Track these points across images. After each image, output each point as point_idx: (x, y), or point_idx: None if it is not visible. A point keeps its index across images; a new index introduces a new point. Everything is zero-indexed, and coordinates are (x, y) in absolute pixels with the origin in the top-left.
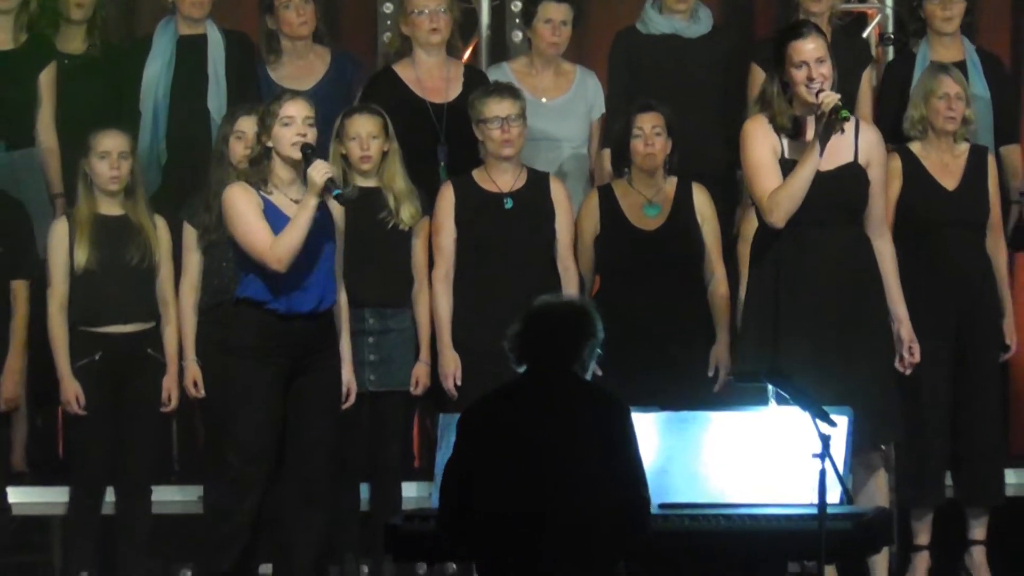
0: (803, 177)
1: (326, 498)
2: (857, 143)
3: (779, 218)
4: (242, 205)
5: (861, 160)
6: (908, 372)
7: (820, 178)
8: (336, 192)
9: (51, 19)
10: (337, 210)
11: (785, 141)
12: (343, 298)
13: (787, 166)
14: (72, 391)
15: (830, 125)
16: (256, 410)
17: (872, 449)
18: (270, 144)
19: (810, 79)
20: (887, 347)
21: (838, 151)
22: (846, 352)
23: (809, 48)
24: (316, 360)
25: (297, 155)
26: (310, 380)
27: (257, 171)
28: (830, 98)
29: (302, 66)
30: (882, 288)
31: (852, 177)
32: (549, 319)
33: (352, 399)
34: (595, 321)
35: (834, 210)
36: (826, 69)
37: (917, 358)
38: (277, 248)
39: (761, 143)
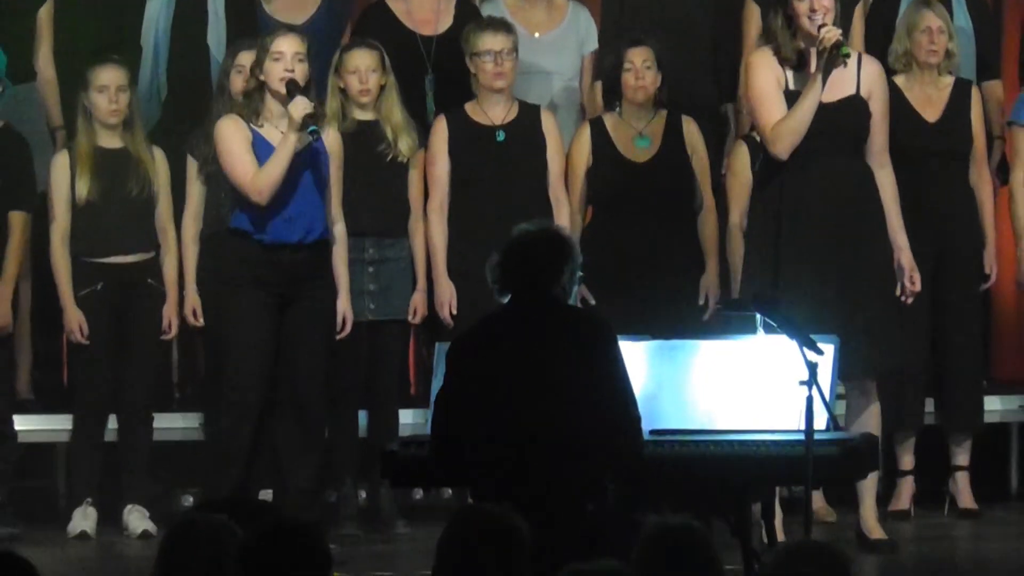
0: (806, 108)
1: (320, 425)
2: (859, 76)
3: (783, 148)
4: (230, 137)
5: (863, 92)
6: (909, 301)
7: (823, 109)
8: (312, 128)
9: None
10: (335, 144)
11: (789, 73)
12: (339, 229)
13: (791, 97)
14: (75, 320)
15: (831, 60)
16: (247, 337)
17: (870, 377)
18: (262, 78)
19: (812, 11)
20: (889, 277)
21: (841, 83)
22: (848, 281)
23: None
24: (306, 290)
25: (283, 90)
26: (301, 310)
27: (250, 104)
28: (831, 33)
29: (295, 1)
30: (884, 218)
31: (854, 109)
32: (525, 247)
33: (348, 328)
34: (571, 246)
35: (837, 141)
36: (828, 2)
37: (918, 287)
38: (257, 180)
39: (765, 75)
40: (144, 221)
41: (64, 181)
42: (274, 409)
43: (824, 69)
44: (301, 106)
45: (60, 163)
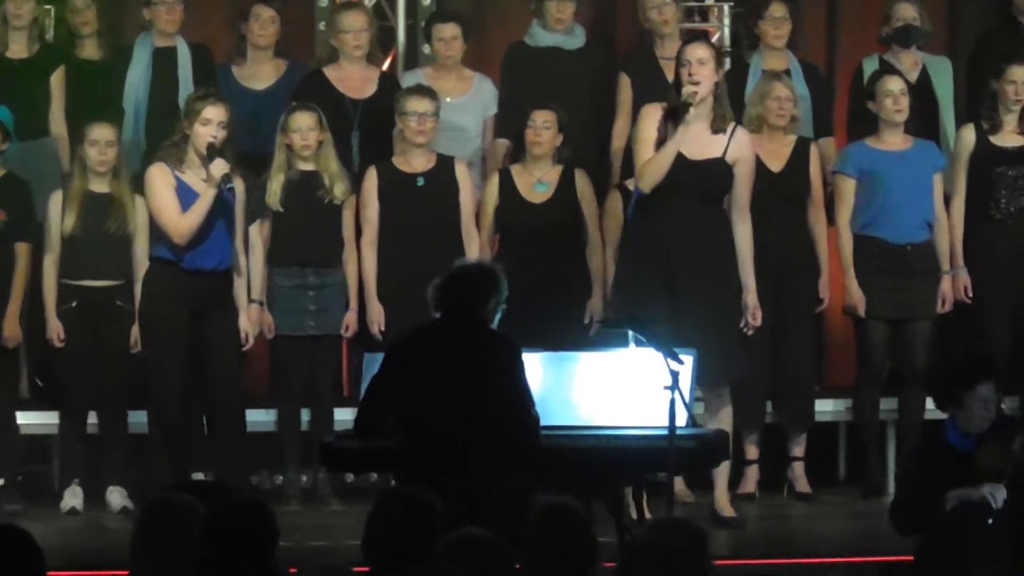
0: (667, 153)
1: (234, 420)
2: (729, 144)
3: (647, 184)
4: (158, 185)
5: (728, 158)
6: (750, 333)
7: (690, 165)
8: (229, 186)
9: (67, 33)
10: (242, 194)
11: (670, 126)
12: (242, 261)
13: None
14: (54, 329)
15: (683, 110)
16: (168, 349)
17: (722, 384)
18: (188, 132)
19: (681, 65)
20: (735, 303)
21: (711, 146)
22: (698, 305)
23: (690, 51)
24: (219, 310)
25: (204, 151)
26: (214, 325)
27: (176, 152)
28: (687, 90)
29: (260, 71)
30: (730, 257)
31: (715, 169)
32: (462, 277)
33: (251, 342)
34: (500, 281)
35: (697, 192)
36: (697, 55)
37: (759, 323)
38: (180, 226)
39: (647, 124)
40: (117, 253)
41: (57, 216)
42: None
43: (685, 121)
44: (220, 167)
45: (55, 201)
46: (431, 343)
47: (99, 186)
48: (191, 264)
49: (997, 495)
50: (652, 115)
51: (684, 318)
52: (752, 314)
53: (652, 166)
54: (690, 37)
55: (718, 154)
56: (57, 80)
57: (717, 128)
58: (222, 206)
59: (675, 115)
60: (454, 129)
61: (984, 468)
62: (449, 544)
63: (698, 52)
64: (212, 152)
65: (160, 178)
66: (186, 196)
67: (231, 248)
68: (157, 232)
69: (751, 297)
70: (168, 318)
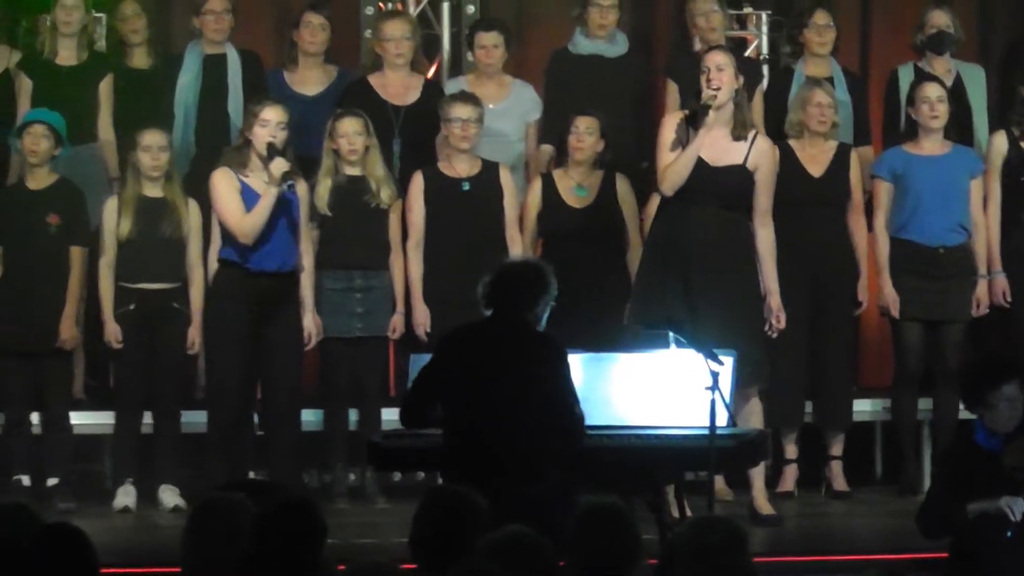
0: (687, 157)
1: (289, 420)
2: (750, 150)
3: (667, 188)
4: (222, 187)
5: (749, 164)
6: (774, 336)
7: (711, 171)
8: (289, 183)
9: (117, 41)
10: (304, 195)
11: (691, 132)
12: (309, 261)
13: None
14: (112, 332)
15: (703, 113)
16: (229, 349)
17: (747, 386)
18: (250, 137)
19: (700, 72)
20: (753, 308)
21: (732, 152)
22: (717, 309)
23: (709, 58)
24: (282, 311)
25: (265, 151)
26: (276, 326)
27: (239, 157)
28: (706, 94)
29: (311, 76)
30: (751, 263)
31: (736, 176)
32: (511, 277)
33: (314, 342)
34: (549, 281)
35: (717, 197)
36: (716, 61)
37: (783, 325)
38: (244, 225)
39: (667, 130)
40: (173, 256)
41: (112, 221)
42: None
43: (705, 125)
44: (280, 166)
45: (110, 207)
46: (478, 343)
47: (152, 191)
48: (256, 265)
49: (1016, 507)
50: (671, 121)
51: (703, 322)
52: (776, 316)
53: (673, 169)
54: (710, 46)
55: (739, 161)
56: (106, 88)
57: (738, 135)
58: (283, 206)
59: (695, 121)
60: (495, 135)
61: (1012, 467)
62: (493, 542)
63: (717, 59)
64: (272, 152)
65: (224, 181)
66: (250, 198)
67: (294, 250)
68: (225, 235)
69: (774, 299)
70: (231, 320)
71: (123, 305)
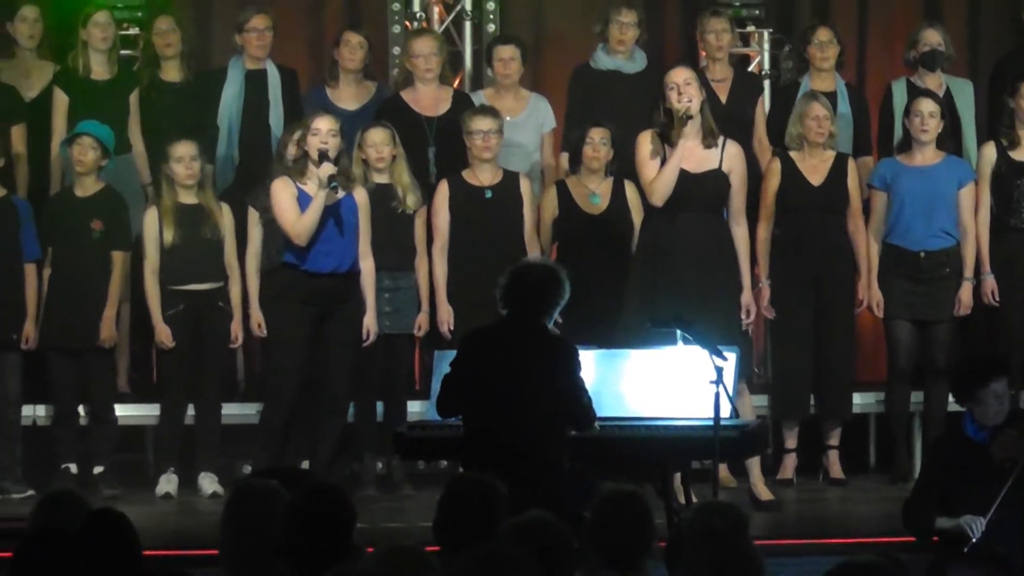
0: (670, 168)
1: (343, 411)
2: (722, 155)
3: (658, 198)
4: (279, 194)
5: (724, 168)
6: (745, 328)
7: (691, 178)
8: (333, 184)
9: (152, 56)
10: (365, 202)
11: (666, 147)
12: (368, 264)
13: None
14: (163, 333)
15: (681, 124)
16: (288, 347)
17: (738, 380)
18: (305, 148)
19: (669, 88)
20: (736, 306)
21: (708, 159)
22: (704, 307)
23: (674, 75)
24: (339, 309)
25: (316, 156)
26: (333, 324)
27: (297, 167)
28: (680, 106)
29: (351, 92)
30: (733, 260)
31: (715, 180)
32: (526, 280)
33: (372, 339)
34: (563, 284)
35: (699, 201)
36: (681, 77)
37: (751, 319)
38: (297, 227)
39: (644, 147)
40: (214, 258)
41: (153, 229)
42: (312, 399)
43: (682, 135)
44: (325, 169)
45: (150, 216)
46: (493, 343)
47: (187, 198)
48: (312, 267)
49: (975, 526)
50: (647, 139)
51: (692, 320)
52: (745, 311)
53: (662, 181)
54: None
55: (715, 165)
56: (135, 99)
57: (709, 143)
58: (337, 209)
59: (668, 136)
60: (513, 145)
61: (999, 458)
62: (514, 525)
63: (683, 74)
64: (323, 158)
65: (282, 188)
66: (306, 203)
67: (350, 251)
68: (286, 240)
69: (746, 295)
70: (292, 319)
71: (172, 307)
